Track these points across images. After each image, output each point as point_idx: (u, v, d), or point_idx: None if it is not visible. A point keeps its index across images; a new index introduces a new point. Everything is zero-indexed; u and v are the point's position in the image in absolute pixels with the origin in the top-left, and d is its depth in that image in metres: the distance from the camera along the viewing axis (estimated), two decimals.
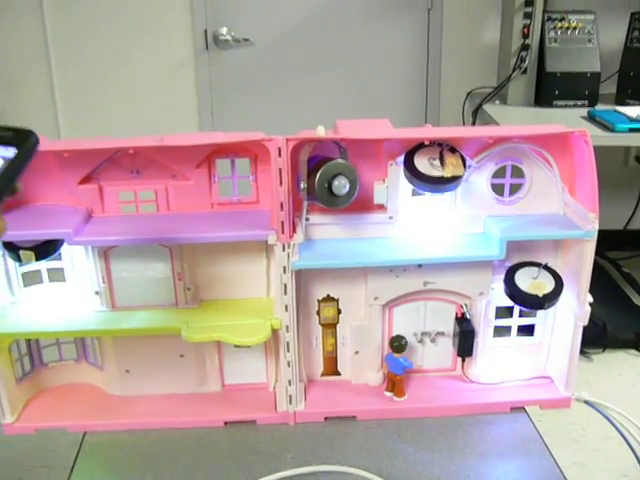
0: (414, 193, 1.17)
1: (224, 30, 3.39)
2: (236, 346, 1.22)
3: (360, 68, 3.50)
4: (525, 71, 3.00)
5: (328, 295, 1.21)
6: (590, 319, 1.13)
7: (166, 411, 1.22)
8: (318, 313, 1.22)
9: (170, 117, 3.54)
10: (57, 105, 3.54)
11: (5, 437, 1.19)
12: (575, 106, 2.94)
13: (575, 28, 2.95)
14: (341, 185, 1.05)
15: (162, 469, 1.10)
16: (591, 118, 2.72)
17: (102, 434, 1.19)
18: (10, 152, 0.76)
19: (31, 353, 1.26)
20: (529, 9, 2.93)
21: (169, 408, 1.23)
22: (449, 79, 3.46)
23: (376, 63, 3.49)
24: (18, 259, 1.13)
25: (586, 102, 2.93)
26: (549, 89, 2.95)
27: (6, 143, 0.77)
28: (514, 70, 3.00)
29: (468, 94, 3.32)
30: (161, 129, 3.58)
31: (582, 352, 2.78)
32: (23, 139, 0.77)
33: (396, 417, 1.20)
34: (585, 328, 1.15)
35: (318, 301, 1.21)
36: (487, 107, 3.02)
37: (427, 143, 1.11)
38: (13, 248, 1.13)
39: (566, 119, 2.78)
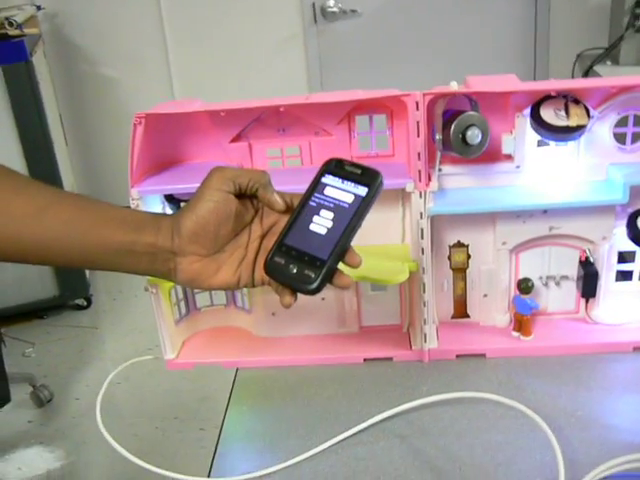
0: (539, 144, 1.23)
1: (331, 2, 3.47)
2: (372, 290, 1.32)
3: (467, 34, 3.51)
4: (639, 30, 2.96)
5: (458, 241, 1.29)
6: None
7: (309, 349, 1.32)
8: (449, 258, 1.30)
9: (281, 89, 3.64)
10: (173, 80, 3.70)
11: (169, 371, 1.34)
12: None
13: None
14: (474, 135, 1.13)
15: (309, 398, 1.22)
16: None
17: (253, 370, 1.30)
18: (362, 191, 0.79)
19: (187, 298, 1.38)
20: None
21: (312, 347, 1.33)
22: (558, 41, 3.44)
23: (483, 28, 3.49)
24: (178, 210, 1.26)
25: None
26: None
27: (357, 182, 0.79)
28: (627, 29, 2.95)
29: (578, 56, 3.29)
30: None
31: None
32: (373, 179, 0.79)
33: (523, 355, 1.27)
34: None
35: (449, 247, 1.29)
36: (598, 68, 2.99)
37: (553, 94, 1.17)
38: (174, 200, 1.26)
39: None
